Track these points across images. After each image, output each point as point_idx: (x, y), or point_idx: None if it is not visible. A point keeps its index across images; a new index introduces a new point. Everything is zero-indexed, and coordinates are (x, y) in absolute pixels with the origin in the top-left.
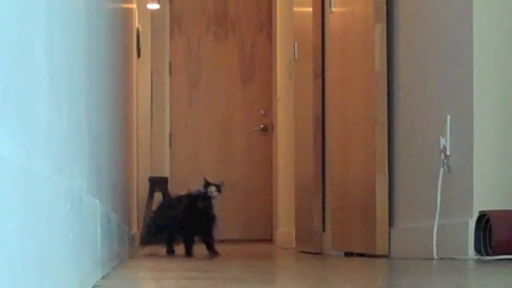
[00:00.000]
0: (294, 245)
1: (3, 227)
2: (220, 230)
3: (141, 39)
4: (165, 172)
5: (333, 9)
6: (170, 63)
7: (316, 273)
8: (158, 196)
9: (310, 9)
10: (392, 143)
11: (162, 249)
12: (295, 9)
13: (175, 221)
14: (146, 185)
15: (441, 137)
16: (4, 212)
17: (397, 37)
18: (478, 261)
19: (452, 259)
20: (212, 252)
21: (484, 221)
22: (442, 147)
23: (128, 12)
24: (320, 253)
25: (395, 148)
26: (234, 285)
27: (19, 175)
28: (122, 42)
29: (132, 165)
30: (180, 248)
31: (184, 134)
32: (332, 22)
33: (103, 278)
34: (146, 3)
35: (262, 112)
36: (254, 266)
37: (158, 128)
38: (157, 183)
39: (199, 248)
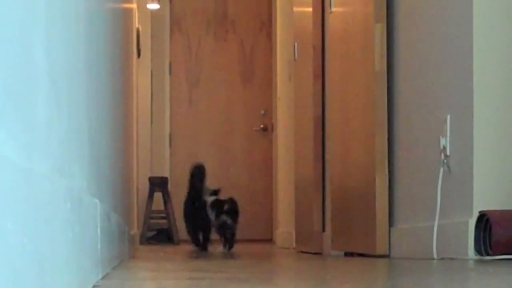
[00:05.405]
0: (294, 245)
1: (3, 227)
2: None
3: (141, 39)
4: (165, 172)
5: (333, 9)
6: (170, 63)
7: (316, 273)
8: (158, 196)
9: (310, 9)
10: (392, 143)
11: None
12: (295, 9)
13: None
14: (146, 185)
15: (441, 137)
16: (4, 212)
17: (397, 37)
18: (478, 261)
19: (452, 259)
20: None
21: (484, 221)
22: (442, 147)
23: (128, 12)
24: (320, 253)
25: (395, 148)
26: (234, 285)
27: (19, 175)
28: (122, 42)
29: (132, 165)
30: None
31: (184, 134)
32: (332, 22)
33: (103, 278)
34: (146, 3)
35: (262, 112)
36: (254, 266)
37: (158, 128)
38: (157, 183)
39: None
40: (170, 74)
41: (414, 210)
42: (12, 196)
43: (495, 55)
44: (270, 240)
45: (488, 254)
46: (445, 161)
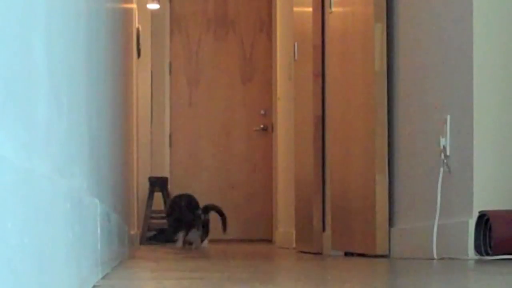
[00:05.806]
0: (294, 245)
1: (3, 227)
2: (220, 230)
3: (141, 39)
4: (165, 172)
5: (333, 9)
6: (170, 63)
7: (316, 273)
8: (158, 196)
9: (310, 9)
10: (392, 143)
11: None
12: (295, 9)
13: None
14: (146, 185)
15: (441, 137)
16: (4, 212)
17: (397, 37)
18: (478, 261)
19: (452, 259)
20: None
21: (484, 221)
22: (442, 147)
23: (128, 12)
24: (320, 253)
25: (395, 148)
26: (234, 285)
27: (19, 175)
28: (122, 42)
29: (132, 165)
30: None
31: (184, 134)
32: (332, 22)
33: (103, 278)
34: (146, 3)
35: (262, 112)
36: (254, 266)
37: (158, 128)
38: (157, 183)
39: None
40: (170, 74)
41: (414, 210)
42: (12, 196)
43: (495, 55)
44: (270, 240)
45: (488, 254)
46: (445, 161)
